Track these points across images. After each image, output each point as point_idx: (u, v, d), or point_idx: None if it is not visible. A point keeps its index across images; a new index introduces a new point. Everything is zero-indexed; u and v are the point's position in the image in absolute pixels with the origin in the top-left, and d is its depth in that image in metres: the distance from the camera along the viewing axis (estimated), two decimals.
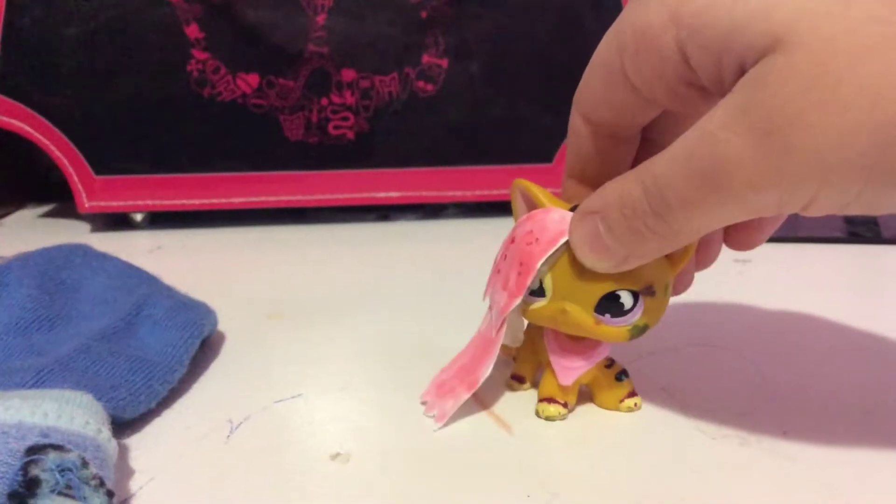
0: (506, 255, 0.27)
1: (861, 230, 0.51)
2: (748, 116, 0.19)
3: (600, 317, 0.25)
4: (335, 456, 0.25)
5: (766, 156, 0.19)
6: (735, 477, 0.24)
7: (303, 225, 0.57)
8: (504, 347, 0.28)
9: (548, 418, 0.27)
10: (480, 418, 0.27)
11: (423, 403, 0.28)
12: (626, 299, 0.25)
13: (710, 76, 0.21)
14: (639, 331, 0.26)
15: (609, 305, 0.25)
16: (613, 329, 0.26)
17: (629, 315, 0.25)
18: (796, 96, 0.18)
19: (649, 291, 0.25)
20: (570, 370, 0.27)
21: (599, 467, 0.25)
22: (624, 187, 0.23)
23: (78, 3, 0.52)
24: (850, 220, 0.52)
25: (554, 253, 0.25)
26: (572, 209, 0.26)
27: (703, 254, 0.28)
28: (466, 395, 0.27)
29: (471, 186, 0.58)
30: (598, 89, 0.25)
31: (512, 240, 0.27)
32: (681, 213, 0.21)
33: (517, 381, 0.30)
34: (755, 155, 0.19)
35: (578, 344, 0.27)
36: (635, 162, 0.27)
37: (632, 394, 0.28)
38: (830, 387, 0.30)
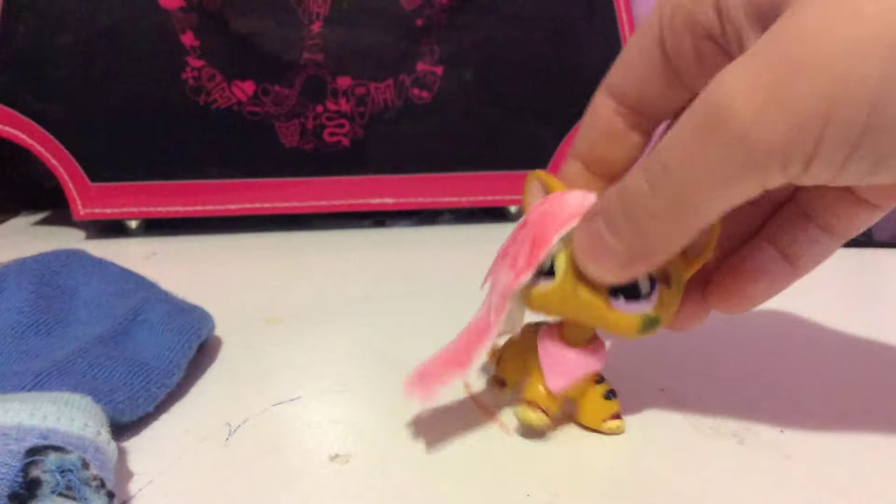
0: (516, 238, 0.26)
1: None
2: (758, 55, 0.19)
3: (614, 300, 0.24)
4: (334, 457, 0.25)
5: (772, 83, 0.18)
6: (732, 475, 0.24)
7: (298, 231, 0.57)
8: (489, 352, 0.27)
9: (525, 422, 0.26)
10: (478, 419, 0.28)
11: (407, 389, 0.25)
12: (644, 283, 0.24)
13: (734, 24, 0.21)
14: (650, 322, 0.24)
15: (624, 287, 0.24)
16: (625, 316, 0.24)
17: (644, 302, 0.24)
18: (811, 19, 0.18)
19: (665, 279, 0.24)
20: (560, 376, 0.26)
21: (598, 467, 0.25)
22: (623, 179, 0.22)
23: (73, 12, 0.52)
24: None
25: (571, 231, 0.24)
26: None
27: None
28: (457, 374, 0.25)
29: (466, 193, 0.58)
30: (632, 58, 0.25)
31: (524, 224, 0.25)
32: (681, 175, 0.20)
33: (499, 384, 0.29)
34: (760, 86, 0.18)
35: (573, 350, 0.26)
36: None
37: (617, 416, 0.26)
38: (824, 388, 0.30)
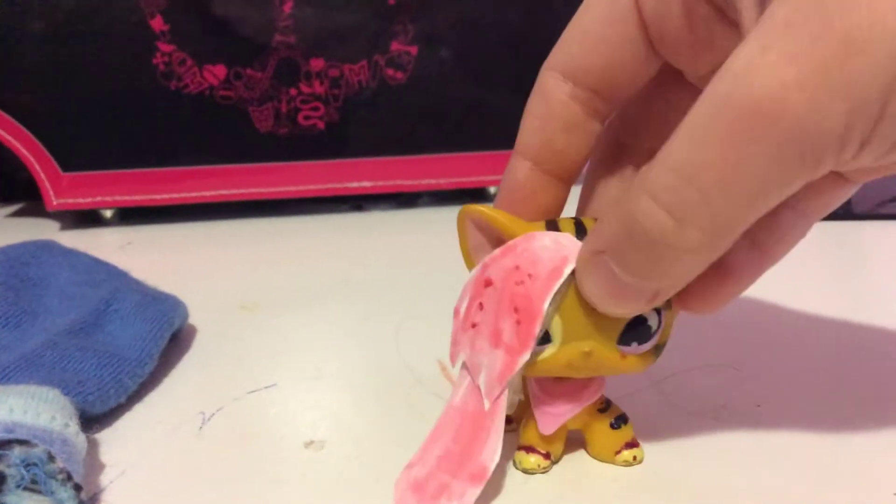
0: (482, 304, 0.22)
1: None
2: (795, 31, 0.15)
3: (626, 348, 0.21)
4: (309, 444, 0.25)
5: (824, 65, 0.15)
6: (710, 451, 0.24)
7: (275, 217, 0.57)
8: None
9: (525, 471, 0.23)
10: None
11: None
12: (653, 319, 0.21)
13: None
14: (660, 350, 0.22)
15: (635, 332, 0.21)
16: (639, 357, 0.22)
17: (655, 336, 0.22)
18: None
19: (668, 303, 0.21)
20: (551, 417, 0.23)
21: (573, 440, 0.24)
22: (626, 207, 0.18)
23: None
24: None
25: (558, 288, 0.21)
26: (548, 224, 0.22)
27: None
28: (475, 492, 0.21)
29: (444, 174, 0.57)
30: (595, 29, 0.22)
31: (486, 282, 0.22)
32: (723, 198, 0.17)
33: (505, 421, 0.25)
34: (810, 69, 0.15)
35: (563, 386, 0.23)
36: (603, 173, 0.25)
37: (631, 444, 0.23)
38: (803, 362, 0.30)
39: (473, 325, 0.22)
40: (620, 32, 0.21)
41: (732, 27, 0.20)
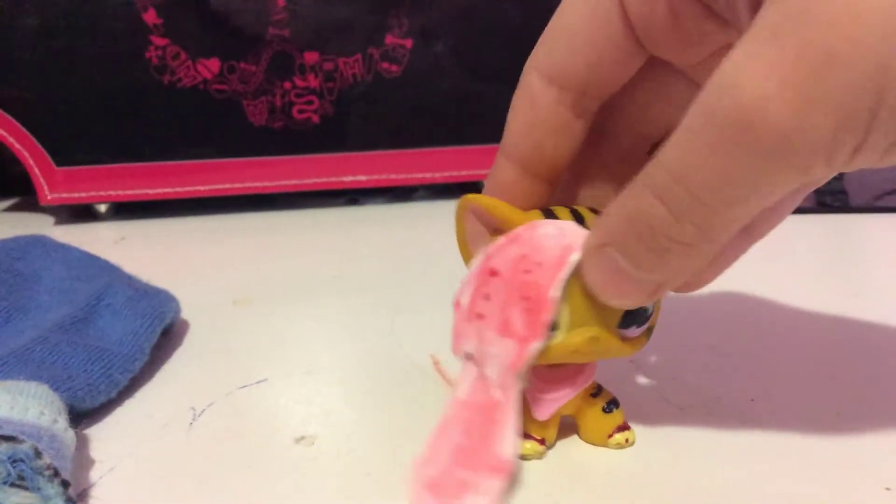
0: (488, 294, 0.21)
1: (829, 200, 0.52)
2: (781, 42, 0.15)
3: (626, 331, 0.22)
4: (299, 439, 0.25)
5: (809, 77, 0.15)
6: (702, 444, 0.24)
7: (270, 212, 0.57)
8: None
9: (522, 457, 0.23)
10: (443, 398, 0.27)
11: None
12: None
13: None
14: (651, 331, 0.23)
15: (634, 316, 0.22)
16: (636, 340, 0.22)
17: (651, 317, 0.22)
18: None
19: None
20: (546, 402, 0.23)
21: (565, 440, 0.24)
22: (630, 202, 0.19)
23: None
24: (818, 191, 0.53)
25: (566, 278, 0.21)
26: (545, 213, 0.22)
27: None
28: (499, 484, 0.20)
29: (439, 168, 0.57)
30: (580, 31, 0.21)
31: (491, 272, 0.21)
32: (713, 199, 0.17)
33: None
34: (794, 81, 0.15)
35: (557, 372, 0.23)
36: (582, 159, 0.24)
37: (622, 427, 0.24)
38: (798, 353, 0.30)
39: (479, 316, 0.22)
40: (606, 33, 0.21)
41: (722, 24, 0.20)
